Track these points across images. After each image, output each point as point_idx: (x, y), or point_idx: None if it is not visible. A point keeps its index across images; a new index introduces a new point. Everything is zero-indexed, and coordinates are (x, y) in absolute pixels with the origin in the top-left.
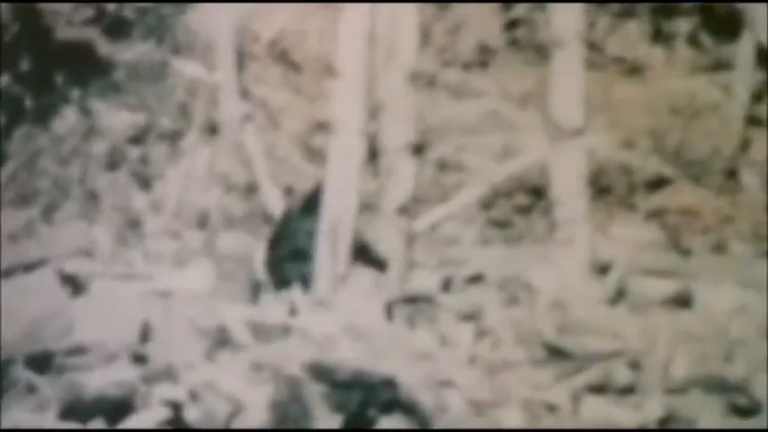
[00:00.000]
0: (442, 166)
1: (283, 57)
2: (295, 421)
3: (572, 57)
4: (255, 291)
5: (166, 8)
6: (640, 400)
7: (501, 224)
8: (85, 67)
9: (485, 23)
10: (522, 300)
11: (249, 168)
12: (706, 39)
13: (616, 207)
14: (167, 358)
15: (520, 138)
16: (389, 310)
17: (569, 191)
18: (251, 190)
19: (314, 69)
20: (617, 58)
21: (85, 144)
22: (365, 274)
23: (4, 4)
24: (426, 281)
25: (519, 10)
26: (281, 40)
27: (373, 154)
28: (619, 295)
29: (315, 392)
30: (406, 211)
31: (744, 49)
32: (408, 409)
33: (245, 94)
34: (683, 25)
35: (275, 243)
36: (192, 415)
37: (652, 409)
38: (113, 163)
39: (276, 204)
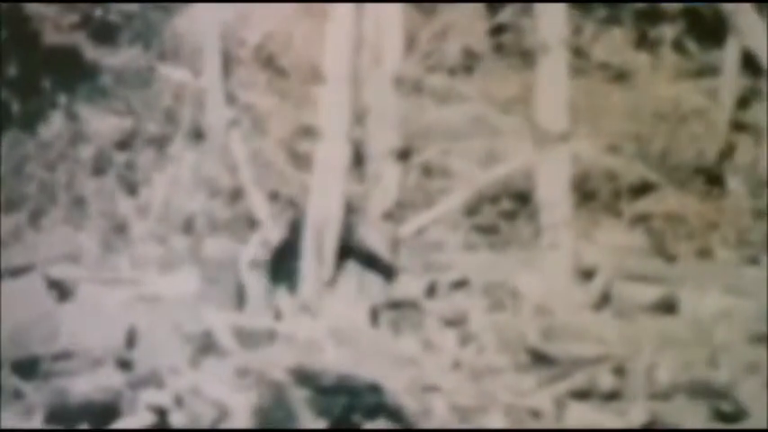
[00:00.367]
0: (428, 171)
1: (270, 62)
2: (279, 426)
3: (557, 62)
4: (241, 296)
5: (153, 13)
6: (625, 405)
7: (486, 229)
8: (72, 73)
9: (470, 29)
10: (507, 305)
11: (235, 173)
12: (691, 44)
13: (601, 212)
14: (153, 364)
15: (505, 143)
16: (374, 315)
17: (554, 196)
18: (236, 195)
19: (300, 75)
20: (602, 63)
21: (72, 149)
22: (351, 279)
23: None
24: (411, 286)
25: (505, 15)
26: (268, 45)
27: (359, 159)
28: (603, 301)
29: (299, 397)
30: (391, 216)
31: (729, 55)
32: (393, 414)
33: (231, 99)
34: (668, 31)
35: (285, 253)
36: (177, 420)
37: (636, 414)
38: (100, 168)
39: (261, 209)
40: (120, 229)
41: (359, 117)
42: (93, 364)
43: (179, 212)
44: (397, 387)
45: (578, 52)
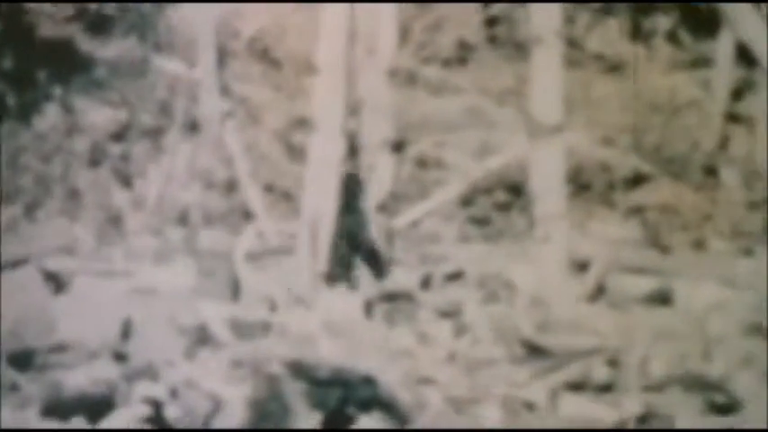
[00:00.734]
0: (422, 162)
1: (264, 54)
2: (274, 418)
3: (551, 54)
4: (236, 288)
5: (148, 5)
6: (619, 397)
7: (480, 221)
8: (67, 65)
9: (464, 20)
10: (502, 297)
11: (230, 165)
12: (685, 36)
13: (595, 204)
14: (148, 356)
15: (499, 135)
16: (369, 307)
17: (548, 188)
18: (231, 187)
19: (294, 66)
20: (596, 55)
21: (68, 141)
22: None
23: None
24: (406, 278)
25: (498, 7)
26: (262, 37)
27: (353, 151)
28: (598, 292)
29: (294, 390)
30: (385, 208)
31: (723, 46)
32: (387, 406)
33: (225, 91)
34: (662, 22)
35: None
36: (172, 412)
37: (630, 406)
38: (95, 160)
39: (256, 202)
40: (115, 221)
41: (353, 109)
42: (88, 357)
43: (174, 204)
44: (392, 379)
45: (572, 43)
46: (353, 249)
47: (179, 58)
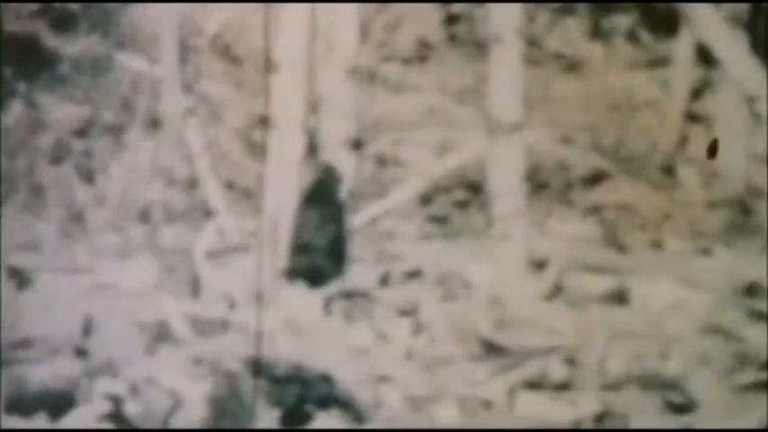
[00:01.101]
0: (381, 161)
1: (226, 51)
2: (233, 415)
3: (511, 52)
4: (196, 285)
5: (111, 1)
6: (575, 396)
7: (439, 220)
8: (32, 61)
9: (424, 19)
10: (460, 295)
11: (191, 163)
12: (645, 35)
13: (553, 203)
14: (109, 352)
15: (458, 133)
16: (327, 305)
17: (507, 186)
18: (192, 184)
19: (255, 64)
20: (556, 54)
21: (31, 137)
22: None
23: None
24: (364, 276)
25: (458, 5)
26: (224, 34)
27: (313, 149)
28: (556, 291)
29: (253, 387)
30: (344, 205)
31: (682, 46)
32: (345, 404)
33: (187, 88)
34: (622, 21)
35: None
36: (132, 409)
37: (587, 405)
38: (58, 156)
39: (217, 199)
40: (78, 217)
41: (313, 107)
42: (51, 353)
43: (135, 201)
44: (350, 377)
45: (532, 42)
46: (323, 243)
47: (142, 55)
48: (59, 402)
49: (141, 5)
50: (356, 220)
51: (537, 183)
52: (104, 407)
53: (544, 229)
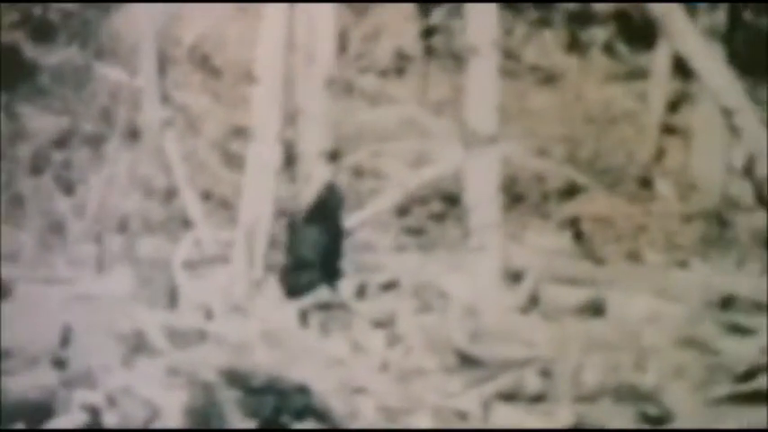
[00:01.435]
0: (358, 172)
1: (204, 62)
2: (209, 426)
3: (488, 65)
4: (173, 296)
5: (90, 12)
6: (551, 407)
7: (415, 231)
8: (13, 71)
9: (402, 31)
10: (436, 307)
11: (169, 173)
12: (621, 47)
13: (530, 215)
14: (86, 363)
15: (435, 145)
16: (304, 316)
17: (483, 198)
18: (170, 195)
19: (233, 75)
20: (533, 66)
21: (11, 148)
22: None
23: None
24: (341, 287)
25: (436, 17)
26: (202, 45)
27: (290, 160)
28: (531, 303)
29: (229, 398)
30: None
31: (659, 58)
32: (321, 415)
33: (166, 99)
34: (598, 34)
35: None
36: (109, 420)
37: (562, 416)
38: (37, 167)
39: (194, 209)
40: (57, 228)
41: (290, 118)
42: (29, 363)
43: (114, 212)
44: (326, 388)
45: (509, 54)
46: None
47: (121, 66)
48: (37, 413)
49: (121, 16)
50: None
51: (513, 195)
52: (82, 417)
53: (520, 241)
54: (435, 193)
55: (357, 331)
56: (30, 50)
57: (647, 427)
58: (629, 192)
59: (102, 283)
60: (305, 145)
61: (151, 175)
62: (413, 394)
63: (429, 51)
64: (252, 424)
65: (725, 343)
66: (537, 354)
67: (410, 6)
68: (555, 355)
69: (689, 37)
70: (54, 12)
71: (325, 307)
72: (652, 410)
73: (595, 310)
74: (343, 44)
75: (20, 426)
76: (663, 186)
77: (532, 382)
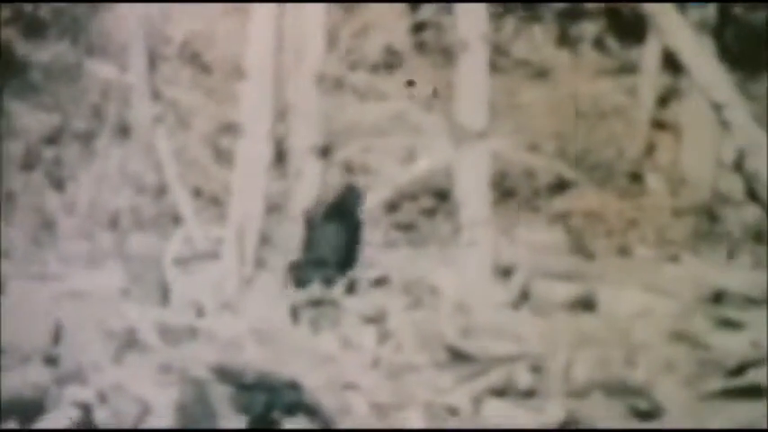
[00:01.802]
0: (349, 168)
1: (194, 58)
2: (200, 423)
3: (477, 60)
4: (164, 292)
5: (81, 9)
6: (541, 403)
7: (406, 227)
8: (4, 68)
9: (391, 26)
10: (426, 303)
11: (160, 170)
12: (612, 42)
13: (520, 210)
14: (78, 360)
15: (425, 140)
16: (294, 312)
17: (473, 194)
18: (161, 191)
19: (224, 71)
20: (522, 61)
21: (2, 144)
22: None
23: None
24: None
25: (425, 13)
26: (192, 41)
27: (281, 156)
28: (522, 298)
29: (220, 394)
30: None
31: (649, 53)
32: (312, 411)
33: (156, 95)
34: (588, 29)
35: (302, 251)
36: (100, 416)
37: (553, 412)
38: (29, 164)
39: (185, 206)
40: (48, 224)
41: (281, 114)
42: (22, 360)
43: (105, 208)
44: (316, 385)
45: (498, 50)
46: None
47: (111, 62)
48: (29, 409)
49: (111, 13)
50: None
51: (503, 190)
52: (73, 414)
53: (511, 237)
54: (425, 189)
55: (348, 327)
56: (21, 47)
57: (637, 421)
58: (619, 187)
59: (93, 280)
60: (295, 141)
61: (142, 171)
62: (404, 390)
63: (419, 47)
64: (243, 420)
65: (716, 338)
66: (527, 349)
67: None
68: (545, 351)
69: (679, 32)
70: (45, 9)
71: (315, 303)
72: (643, 405)
73: (586, 305)
74: (332, 40)
75: (12, 423)
76: (653, 181)
77: (523, 378)
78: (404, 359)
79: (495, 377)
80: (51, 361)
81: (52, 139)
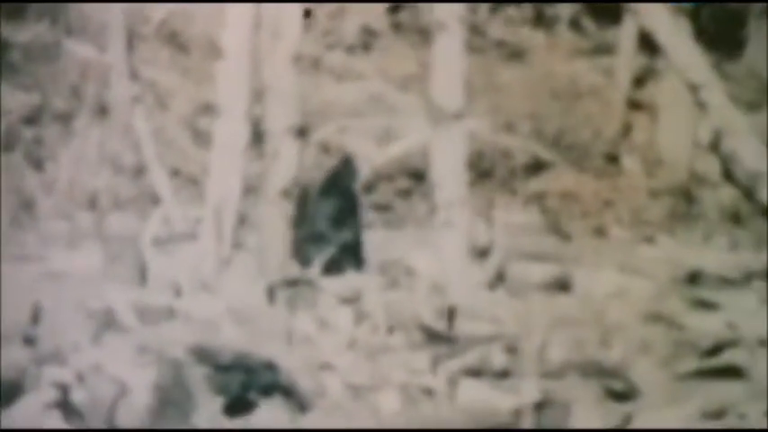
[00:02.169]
0: (325, 148)
1: (172, 38)
2: (177, 403)
3: (454, 40)
4: (143, 272)
5: None
6: (516, 383)
7: (382, 207)
8: None
9: (368, 7)
10: (402, 283)
11: (138, 150)
12: (588, 23)
13: (496, 191)
14: (57, 340)
15: (401, 121)
16: (271, 293)
17: (449, 174)
18: (139, 172)
19: (201, 52)
20: (498, 41)
21: None
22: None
23: None
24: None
25: None
26: (171, 21)
27: (258, 137)
28: (498, 279)
29: (197, 375)
30: (289, 193)
31: (625, 34)
32: (288, 391)
33: (134, 75)
34: (564, 9)
35: (296, 225)
36: (78, 397)
37: (528, 392)
38: (8, 144)
39: (163, 186)
40: (28, 205)
41: (257, 95)
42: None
43: (84, 189)
44: (293, 365)
45: (475, 30)
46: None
47: (90, 43)
48: (8, 391)
49: None
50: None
51: (480, 171)
52: (51, 394)
53: (487, 218)
54: (402, 170)
55: (324, 308)
56: (2, 28)
57: (612, 402)
58: (595, 167)
59: (72, 260)
60: (272, 122)
61: (120, 151)
62: (379, 371)
63: (396, 27)
64: (219, 400)
65: (691, 318)
66: (503, 330)
67: None
68: (521, 331)
69: (655, 12)
70: None
71: (292, 284)
72: (618, 386)
73: (562, 285)
74: (309, 20)
75: None
76: (629, 162)
77: (498, 359)
78: (379, 340)
79: (470, 358)
80: (30, 341)
81: (31, 119)
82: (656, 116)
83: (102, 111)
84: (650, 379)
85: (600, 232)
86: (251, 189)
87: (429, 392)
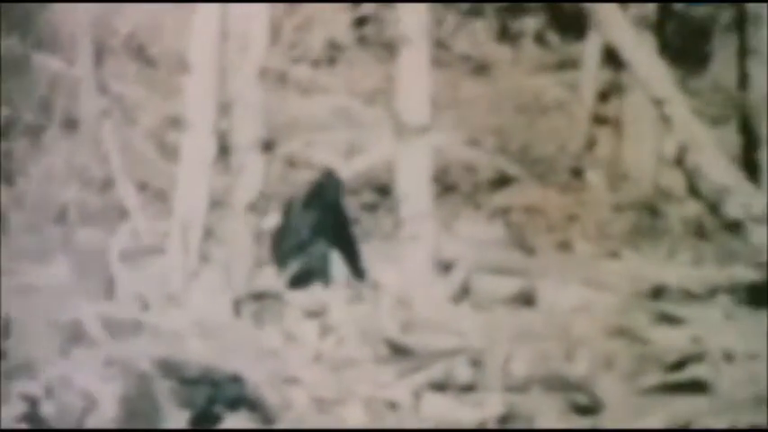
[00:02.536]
0: (291, 162)
1: (140, 52)
2: (144, 416)
3: (419, 54)
4: (110, 286)
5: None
6: (480, 397)
7: None
8: None
9: (333, 20)
10: (367, 297)
11: (106, 164)
12: (553, 37)
13: (461, 205)
14: (26, 353)
15: (367, 135)
16: (237, 306)
17: (415, 188)
18: (107, 185)
19: (169, 65)
20: (464, 56)
21: None
22: (214, 271)
23: None
24: (274, 278)
25: (368, 7)
26: (138, 34)
27: (224, 150)
28: (462, 293)
29: (164, 388)
30: (255, 207)
31: (590, 48)
32: (254, 405)
33: (103, 89)
34: (529, 24)
35: (280, 237)
36: (47, 410)
37: (492, 406)
38: None
39: (131, 200)
40: None
41: (224, 108)
42: None
43: (52, 202)
44: (259, 378)
45: (440, 45)
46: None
47: (59, 56)
48: None
49: (60, 6)
50: (265, 222)
51: (445, 185)
52: (21, 407)
53: (452, 231)
54: (367, 184)
55: (290, 322)
56: None
57: (576, 416)
58: (560, 182)
59: (41, 274)
60: (238, 135)
61: (88, 165)
62: (345, 385)
63: (361, 41)
64: (186, 413)
65: (655, 333)
66: (467, 343)
67: None
68: (485, 345)
69: (619, 27)
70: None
71: (258, 297)
72: (582, 400)
73: (526, 299)
74: (275, 34)
75: None
76: (594, 176)
77: (463, 372)
78: (345, 353)
79: (434, 371)
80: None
81: (2, 133)
82: (620, 131)
83: (71, 124)
84: (614, 393)
85: (564, 246)
86: (217, 203)
87: (393, 406)
